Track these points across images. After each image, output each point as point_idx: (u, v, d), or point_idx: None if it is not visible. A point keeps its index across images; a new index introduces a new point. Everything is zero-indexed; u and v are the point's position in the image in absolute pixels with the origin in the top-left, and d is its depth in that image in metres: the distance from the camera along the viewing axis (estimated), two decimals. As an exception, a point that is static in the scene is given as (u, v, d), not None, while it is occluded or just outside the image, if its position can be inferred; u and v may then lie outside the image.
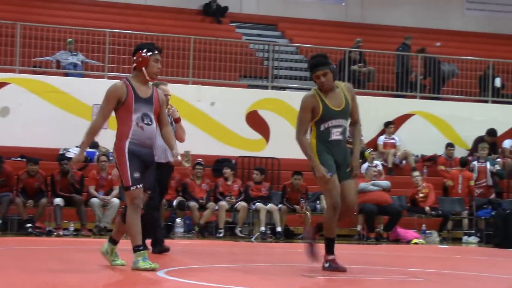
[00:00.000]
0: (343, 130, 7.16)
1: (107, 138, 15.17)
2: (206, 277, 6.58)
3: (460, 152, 16.92)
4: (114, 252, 7.14)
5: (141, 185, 6.75)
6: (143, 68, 6.89)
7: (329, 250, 7.09)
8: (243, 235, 13.64)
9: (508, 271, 8.60)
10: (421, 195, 14.56)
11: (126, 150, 6.74)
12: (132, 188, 6.73)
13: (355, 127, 7.30)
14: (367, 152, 15.99)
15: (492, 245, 13.68)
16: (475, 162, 15.87)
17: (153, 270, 6.59)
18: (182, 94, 16.17)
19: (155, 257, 8.69)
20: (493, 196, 15.55)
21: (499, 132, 16.95)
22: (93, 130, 6.86)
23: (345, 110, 7.15)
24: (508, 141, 17.12)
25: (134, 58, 6.95)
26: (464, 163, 15.77)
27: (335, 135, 7.14)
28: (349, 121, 7.24)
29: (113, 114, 6.89)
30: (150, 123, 6.83)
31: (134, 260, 6.73)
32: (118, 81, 6.98)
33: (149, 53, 6.91)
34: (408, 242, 13.63)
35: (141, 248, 6.76)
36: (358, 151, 7.26)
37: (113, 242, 7.13)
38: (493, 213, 14.44)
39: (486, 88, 18.27)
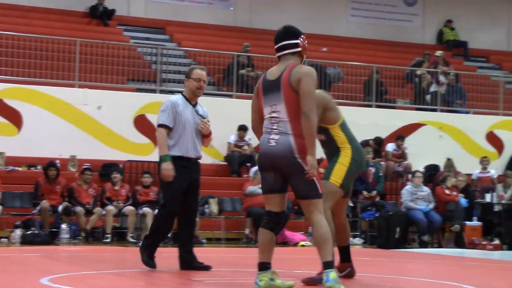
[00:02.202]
0: None
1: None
2: (91, 283, 6.47)
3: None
4: (276, 273, 6.11)
5: None
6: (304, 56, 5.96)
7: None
8: (135, 241, 13.47)
9: (391, 271, 8.85)
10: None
11: None
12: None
13: None
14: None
15: (376, 246, 14.05)
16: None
17: None
18: (68, 97, 15.86)
19: (44, 264, 8.49)
20: (377, 198, 15.96)
21: (383, 136, 17.40)
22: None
23: None
24: (391, 144, 17.62)
25: (299, 41, 6.03)
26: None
27: None
28: None
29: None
30: None
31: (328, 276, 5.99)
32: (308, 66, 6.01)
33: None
34: (295, 244, 13.83)
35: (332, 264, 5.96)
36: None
37: (266, 266, 6.10)
38: (376, 215, 14.81)
39: (370, 93, 18.77)
